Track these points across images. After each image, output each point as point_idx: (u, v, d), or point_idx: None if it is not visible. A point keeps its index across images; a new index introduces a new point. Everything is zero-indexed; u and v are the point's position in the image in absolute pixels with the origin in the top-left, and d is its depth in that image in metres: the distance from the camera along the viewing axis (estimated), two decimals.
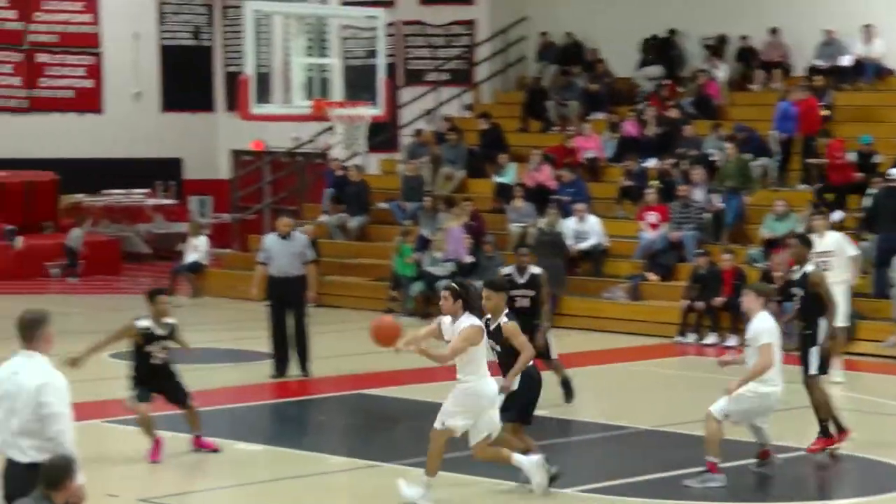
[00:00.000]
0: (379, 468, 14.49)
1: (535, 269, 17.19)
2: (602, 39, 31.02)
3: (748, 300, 13.75)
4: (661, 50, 30.16)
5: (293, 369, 19.46)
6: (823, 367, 15.06)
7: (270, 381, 19.27)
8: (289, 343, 19.38)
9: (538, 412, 16.07)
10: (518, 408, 13.40)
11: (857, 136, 25.21)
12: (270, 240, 19.50)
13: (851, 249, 19.39)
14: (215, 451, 14.88)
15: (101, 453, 14.42)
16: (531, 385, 13.44)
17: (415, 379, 19.15)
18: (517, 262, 17.38)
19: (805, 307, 14.99)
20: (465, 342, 12.56)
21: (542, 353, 16.50)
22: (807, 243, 15.63)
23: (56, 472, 8.27)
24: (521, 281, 17.04)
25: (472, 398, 12.84)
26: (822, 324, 14.93)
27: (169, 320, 14.75)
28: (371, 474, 14.34)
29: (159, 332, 14.68)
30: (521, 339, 13.16)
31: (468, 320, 12.65)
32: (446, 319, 12.80)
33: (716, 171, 25.95)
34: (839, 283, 18.13)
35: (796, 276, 15.18)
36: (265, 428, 17.23)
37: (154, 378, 14.71)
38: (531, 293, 16.97)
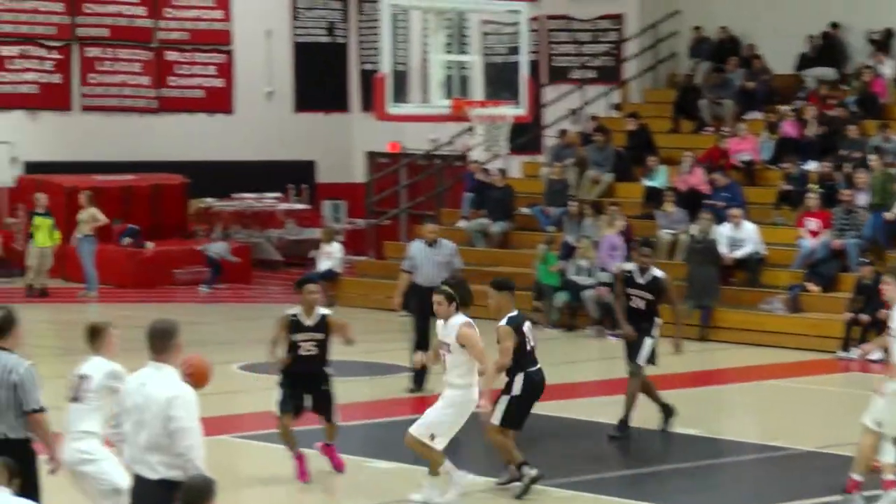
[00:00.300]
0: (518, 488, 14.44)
1: (658, 273, 16.87)
2: (759, 34, 30.73)
3: (889, 289, 13.41)
4: (824, 47, 29.77)
5: (431, 383, 19.47)
6: None
7: (407, 396, 19.30)
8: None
9: (689, 430, 15.99)
10: (509, 411, 13.58)
11: None
12: (416, 247, 19.53)
13: None
14: (339, 469, 14.87)
15: (231, 471, 14.54)
16: (530, 390, 13.54)
17: (561, 395, 19.09)
18: (639, 261, 17.03)
19: None
20: (479, 341, 13.14)
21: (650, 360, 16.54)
22: None
23: (196, 494, 8.35)
24: (640, 281, 16.75)
25: (467, 408, 13.39)
26: None
27: (321, 311, 14.65)
28: (508, 494, 14.30)
29: (307, 322, 14.65)
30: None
31: (460, 319, 13.22)
32: (438, 322, 13.40)
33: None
34: None
35: None
36: (398, 445, 17.25)
37: (303, 379, 14.64)
38: (649, 296, 16.70)
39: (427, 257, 19.36)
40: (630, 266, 17.11)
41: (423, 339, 19.25)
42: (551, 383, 19.64)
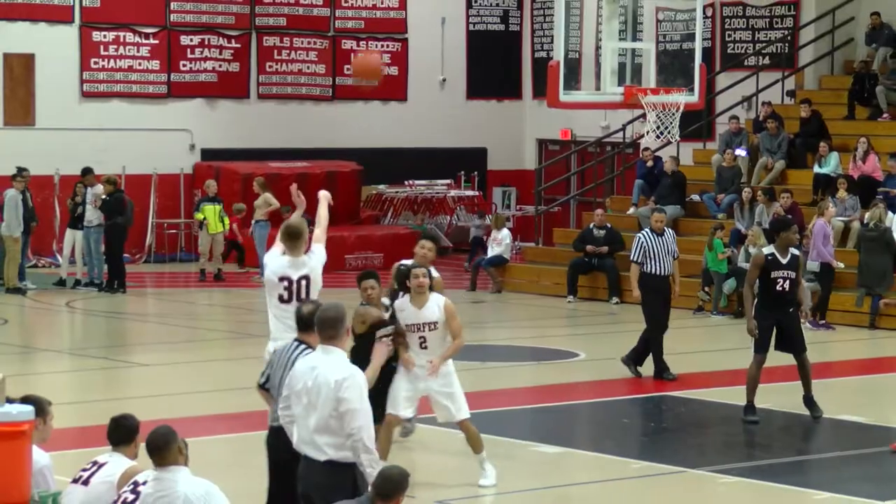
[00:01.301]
0: (684, 474, 14.46)
1: (795, 251, 16.55)
2: None
3: None
4: None
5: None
6: None
7: (569, 381, 19.33)
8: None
9: (857, 418, 15.86)
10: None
11: None
12: (647, 237, 19.50)
13: None
14: None
15: (399, 451, 14.72)
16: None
17: (722, 382, 19.03)
18: (789, 240, 16.53)
19: None
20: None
21: None
22: None
23: (392, 486, 8.52)
24: (784, 261, 16.40)
25: None
26: None
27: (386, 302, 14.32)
28: (674, 481, 14.32)
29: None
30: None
31: (438, 296, 13.38)
32: (403, 304, 13.31)
33: None
34: None
35: None
36: (565, 430, 17.33)
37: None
38: (793, 274, 16.35)
39: (657, 246, 19.31)
40: (769, 249, 16.68)
41: (660, 327, 19.31)
42: (719, 370, 19.72)
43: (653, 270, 19.17)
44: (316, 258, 12.39)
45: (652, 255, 19.19)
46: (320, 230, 12.57)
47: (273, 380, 10.31)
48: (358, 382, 9.47)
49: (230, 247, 30.39)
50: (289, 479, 9.92)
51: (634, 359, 19.40)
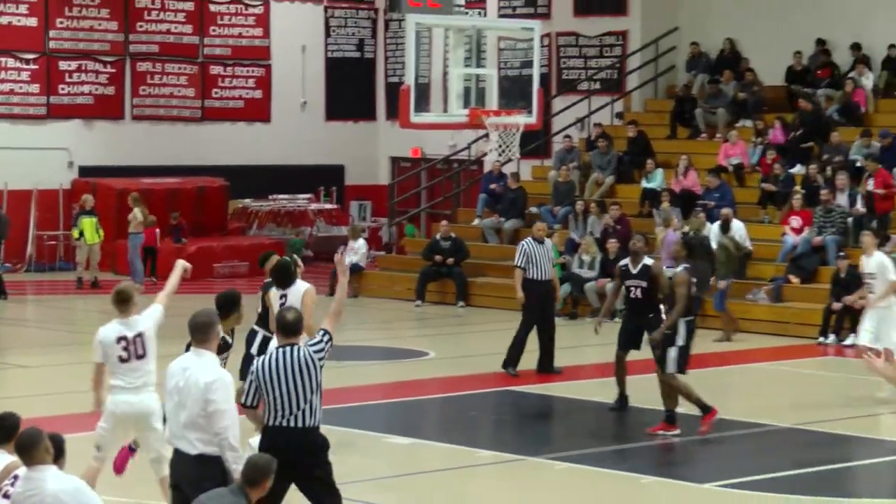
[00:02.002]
0: (524, 462, 14.54)
1: (648, 260, 16.61)
2: (751, 49, 30.72)
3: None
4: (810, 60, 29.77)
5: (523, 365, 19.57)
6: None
7: (420, 378, 19.37)
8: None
9: (682, 409, 16.05)
10: None
11: None
12: (530, 244, 19.52)
13: (892, 274, 18.19)
14: None
15: None
16: None
17: (566, 377, 19.17)
18: (632, 251, 16.77)
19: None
20: None
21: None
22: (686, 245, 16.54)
23: (259, 472, 8.45)
24: (634, 271, 16.60)
25: None
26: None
27: None
28: (516, 467, 14.39)
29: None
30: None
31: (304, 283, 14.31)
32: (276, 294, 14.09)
33: (860, 176, 25.57)
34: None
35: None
36: (416, 422, 17.34)
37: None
38: (643, 283, 16.44)
39: (540, 254, 19.36)
40: (625, 261, 16.88)
41: (530, 329, 19.35)
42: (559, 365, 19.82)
43: (535, 276, 19.27)
44: (147, 316, 11.67)
45: (534, 262, 19.30)
46: (164, 294, 11.76)
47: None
48: (226, 385, 9.40)
49: (146, 253, 29.83)
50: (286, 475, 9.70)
51: (541, 365, 19.43)
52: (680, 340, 15.52)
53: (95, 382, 11.78)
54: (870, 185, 25.08)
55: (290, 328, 9.82)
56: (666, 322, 15.69)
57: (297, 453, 9.61)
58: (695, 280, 16.98)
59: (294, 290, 13.97)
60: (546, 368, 19.30)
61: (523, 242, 19.78)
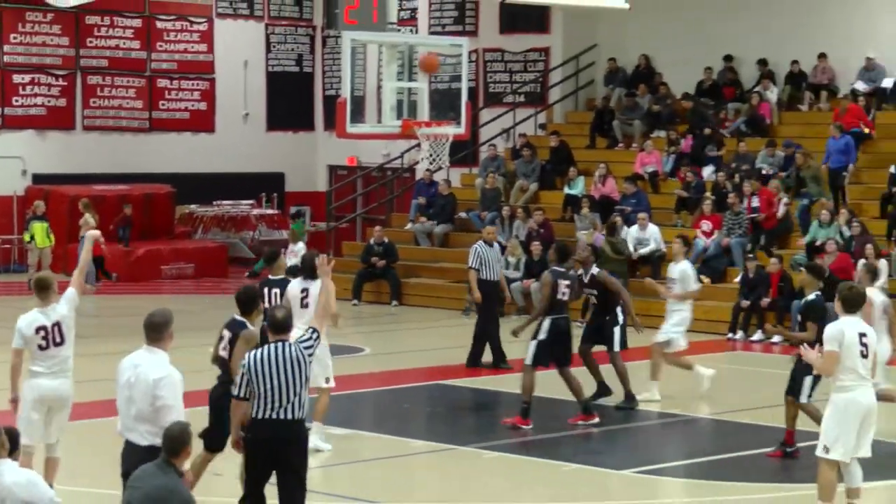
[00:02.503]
0: (454, 451, 14.58)
1: (594, 270, 16.82)
2: (664, 65, 30.95)
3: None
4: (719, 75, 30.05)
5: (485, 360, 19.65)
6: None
7: (356, 373, 19.37)
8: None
9: (605, 401, 16.15)
10: None
11: None
12: (482, 247, 19.59)
13: (694, 283, 18.32)
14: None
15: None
16: None
17: (487, 371, 19.23)
18: (576, 265, 16.90)
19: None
20: None
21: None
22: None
23: (176, 442, 8.37)
24: (586, 281, 16.74)
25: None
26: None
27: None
28: (448, 456, 14.43)
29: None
30: None
31: None
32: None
33: (766, 183, 25.83)
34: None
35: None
36: (353, 414, 17.34)
37: None
38: (594, 291, 16.71)
39: (492, 255, 19.54)
40: (580, 270, 16.78)
41: (494, 325, 19.52)
42: (485, 361, 19.88)
43: (487, 276, 19.38)
44: (64, 302, 11.52)
45: (486, 263, 19.39)
46: (77, 273, 11.69)
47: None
48: (174, 382, 9.39)
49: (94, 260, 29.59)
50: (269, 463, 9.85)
51: (473, 359, 19.51)
52: (542, 335, 15.62)
53: (14, 369, 11.59)
54: (754, 201, 25.20)
55: (281, 326, 9.94)
56: (529, 319, 16.15)
57: (282, 443, 9.70)
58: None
59: (315, 283, 13.66)
60: (476, 363, 19.40)
61: (476, 245, 19.93)
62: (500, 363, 19.43)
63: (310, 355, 9.84)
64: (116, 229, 30.68)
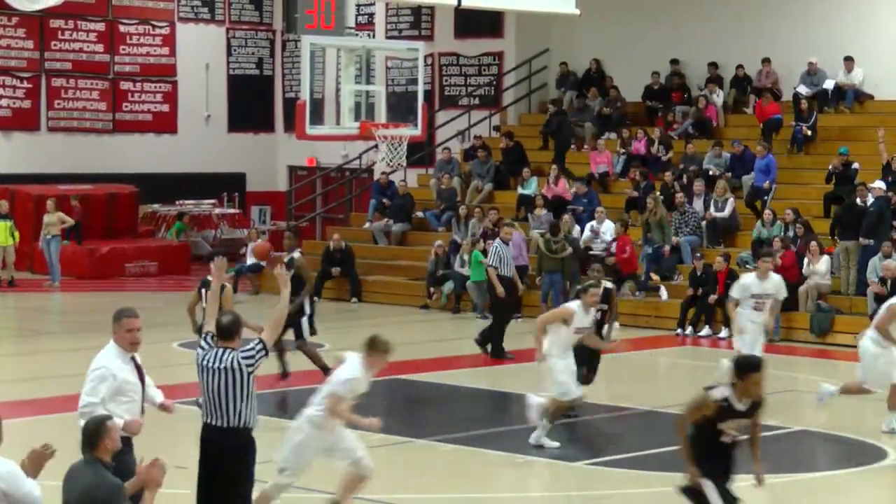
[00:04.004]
0: (411, 444, 14.52)
1: (609, 285, 15.97)
2: (614, 69, 30.99)
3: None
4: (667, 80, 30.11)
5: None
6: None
7: (315, 368, 19.23)
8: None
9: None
10: None
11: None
12: (501, 245, 19.60)
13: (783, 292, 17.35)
14: None
15: (172, 430, 14.43)
16: None
17: (447, 366, 19.19)
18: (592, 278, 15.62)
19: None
20: None
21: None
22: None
23: (87, 435, 8.22)
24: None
25: None
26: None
27: None
28: (405, 449, 14.37)
29: None
30: None
31: None
32: None
33: (713, 183, 25.90)
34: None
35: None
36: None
37: None
38: (604, 307, 15.71)
39: (509, 254, 19.79)
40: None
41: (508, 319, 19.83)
42: (439, 356, 19.87)
43: (505, 273, 19.42)
44: None
45: (504, 261, 19.51)
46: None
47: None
48: (98, 375, 9.36)
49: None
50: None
51: (497, 352, 19.67)
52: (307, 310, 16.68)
53: None
54: (613, 248, 24.91)
55: (225, 332, 9.58)
56: (297, 301, 16.50)
57: (217, 449, 9.46)
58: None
59: None
60: (500, 355, 19.62)
61: (496, 244, 20.20)
62: (503, 354, 19.60)
63: (248, 366, 9.40)
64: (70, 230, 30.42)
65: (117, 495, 7.91)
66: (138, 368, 9.59)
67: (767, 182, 25.70)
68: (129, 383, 9.50)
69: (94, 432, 8.22)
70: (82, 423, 8.52)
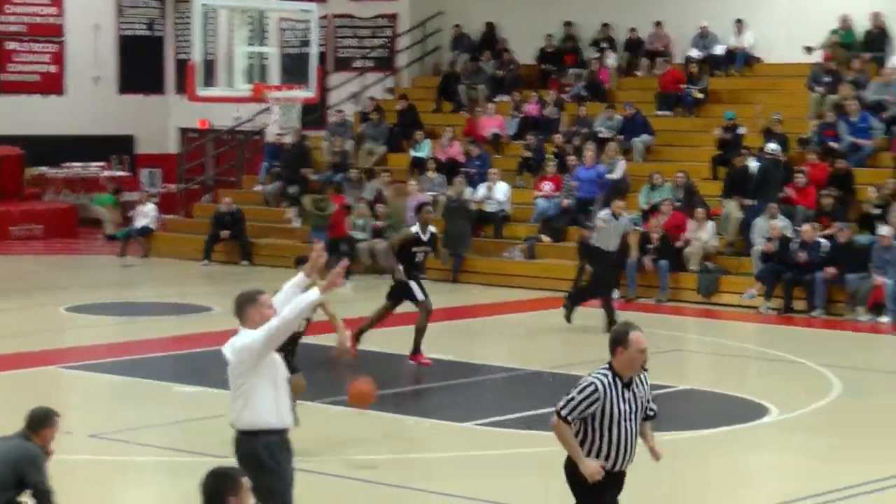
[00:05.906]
0: (302, 406, 14.48)
1: (433, 229, 17.03)
2: (508, 31, 31.07)
3: None
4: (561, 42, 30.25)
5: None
6: None
7: (205, 331, 19.13)
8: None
9: (447, 356, 16.15)
10: None
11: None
12: (607, 217, 19.38)
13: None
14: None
15: (60, 395, 14.33)
16: None
17: (327, 329, 19.14)
18: (423, 219, 16.92)
19: None
20: None
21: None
22: None
23: (34, 421, 8.27)
24: (424, 238, 16.80)
25: None
26: None
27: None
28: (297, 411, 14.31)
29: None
30: None
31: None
32: None
33: (604, 146, 26.08)
34: None
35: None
36: (202, 372, 17.15)
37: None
38: (429, 249, 16.89)
39: (612, 227, 19.36)
40: (415, 228, 16.86)
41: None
42: (323, 321, 19.76)
43: (603, 246, 19.34)
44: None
45: (605, 232, 19.25)
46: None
47: None
48: None
49: None
50: None
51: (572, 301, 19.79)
52: None
53: None
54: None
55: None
56: None
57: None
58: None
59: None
60: (572, 306, 19.70)
61: (601, 213, 19.74)
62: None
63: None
64: None
65: None
66: None
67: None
68: None
69: (41, 421, 8.30)
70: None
